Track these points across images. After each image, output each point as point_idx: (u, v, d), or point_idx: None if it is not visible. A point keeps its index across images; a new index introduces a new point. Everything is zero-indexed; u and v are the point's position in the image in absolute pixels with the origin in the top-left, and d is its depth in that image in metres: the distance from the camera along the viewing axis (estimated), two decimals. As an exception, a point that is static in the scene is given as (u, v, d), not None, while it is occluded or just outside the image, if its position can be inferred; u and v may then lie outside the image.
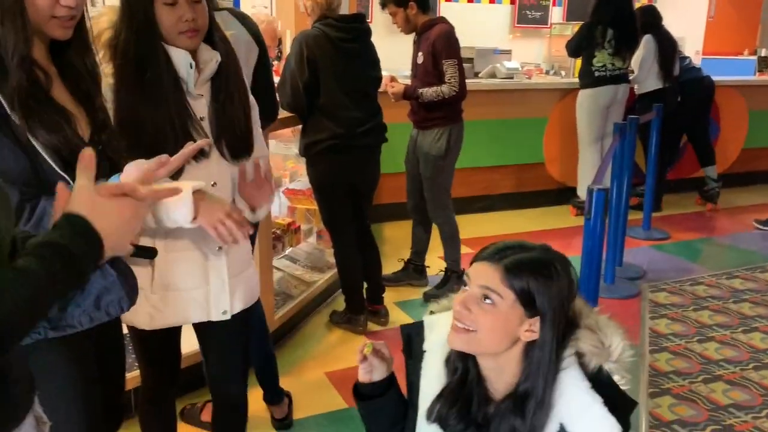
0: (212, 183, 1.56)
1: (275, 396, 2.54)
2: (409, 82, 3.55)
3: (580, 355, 1.17)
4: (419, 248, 3.79)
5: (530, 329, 1.14)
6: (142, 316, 1.62)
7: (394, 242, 4.49)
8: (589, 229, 2.07)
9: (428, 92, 3.33)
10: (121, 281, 1.14)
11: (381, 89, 3.27)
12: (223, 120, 1.57)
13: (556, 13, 7.01)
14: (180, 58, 1.49)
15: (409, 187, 3.70)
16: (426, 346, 1.28)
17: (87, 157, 0.89)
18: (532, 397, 1.15)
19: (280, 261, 3.43)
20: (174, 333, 1.73)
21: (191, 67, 1.49)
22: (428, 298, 3.56)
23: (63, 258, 0.80)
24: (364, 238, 3.23)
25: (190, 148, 1.30)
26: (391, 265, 3.87)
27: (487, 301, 1.13)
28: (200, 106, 1.55)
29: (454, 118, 3.48)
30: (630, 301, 3.65)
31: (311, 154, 3.03)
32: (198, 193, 1.41)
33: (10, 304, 0.74)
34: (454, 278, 3.56)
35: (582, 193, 5.16)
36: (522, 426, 1.15)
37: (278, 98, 2.90)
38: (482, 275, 1.15)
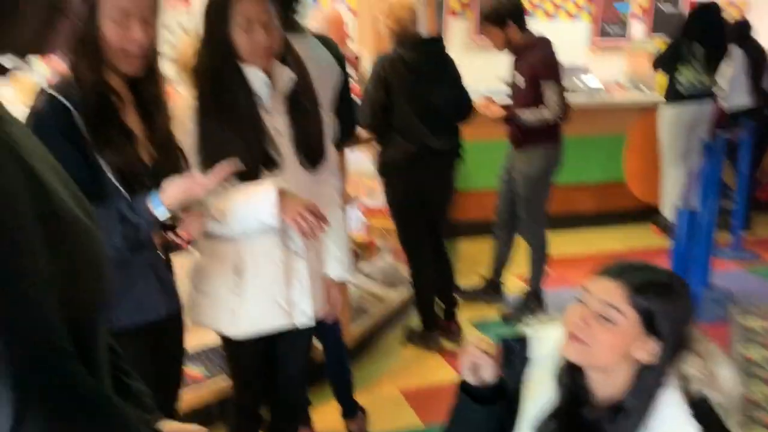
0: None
1: (350, 410, 2.57)
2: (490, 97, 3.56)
3: (684, 379, 1.16)
4: (499, 266, 3.76)
5: (645, 349, 1.14)
6: (227, 322, 1.69)
7: (471, 258, 4.48)
8: (679, 250, 2.00)
9: (530, 117, 3.30)
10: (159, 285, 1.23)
11: (480, 111, 3.29)
12: (299, 133, 1.67)
13: (638, 28, 6.83)
14: (255, 76, 1.60)
15: (500, 205, 3.68)
16: (531, 356, 1.28)
17: None
18: (632, 415, 1.15)
19: (356, 277, 3.48)
20: (262, 346, 1.79)
21: (266, 85, 1.60)
22: (507, 319, 3.51)
23: None
24: (438, 254, 3.24)
25: (222, 170, 1.40)
26: (465, 281, 3.85)
27: (607, 317, 1.14)
28: (277, 121, 1.65)
29: (553, 137, 3.42)
30: (718, 326, 3.48)
31: (387, 171, 3.09)
32: (280, 191, 1.53)
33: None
34: (532, 299, 3.51)
35: (666, 212, 4.98)
36: None
37: (358, 116, 2.99)
38: (605, 291, 1.15)
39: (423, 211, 3.13)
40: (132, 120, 1.43)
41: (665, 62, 4.68)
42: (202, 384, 2.49)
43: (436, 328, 3.23)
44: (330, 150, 1.82)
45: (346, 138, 2.53)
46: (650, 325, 1.14)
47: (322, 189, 1.81)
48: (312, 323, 1.74)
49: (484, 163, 4.57)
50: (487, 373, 1.24)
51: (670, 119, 4.72)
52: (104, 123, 1.34)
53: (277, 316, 1.69)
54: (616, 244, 4.86)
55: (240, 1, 1.56)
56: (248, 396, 1.87)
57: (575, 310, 1.18)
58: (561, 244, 4.72)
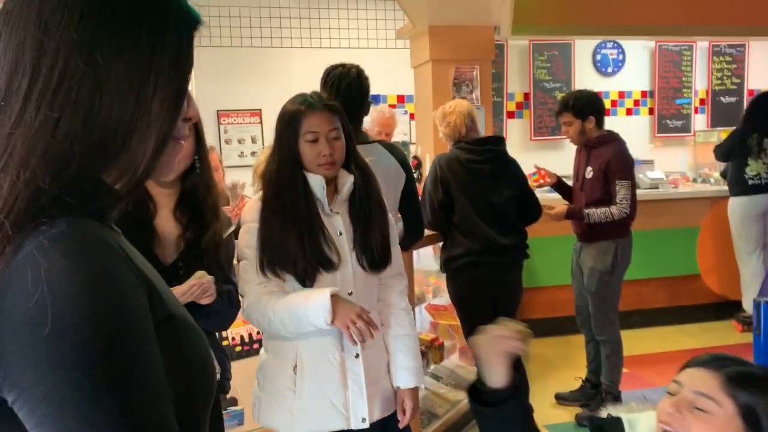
0: (349, 292, 1.72)
1: None
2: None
3: None
4: (596, 365, 3.60)
5: None
6: (285, 421, 1.72)
7: (547, 360, 4.35)
8: (759, 345, 1.91)
9: (596, 214, 3.30)
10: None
11: (547, 212, 3.34)
12: (358, 234, 1.74)
13: (699, 120, 6.81)
14: (315, 181, 1.72)
15: (577, 302, 3.61)
16: None
17: None
18: None
19: (424, 378, 3.42)
20: None
21: (323, 189, 1.71)
22: (582, 420, 3.35)
23: None
24: None
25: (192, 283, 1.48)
26: (539, 384, 3.73)
27: (701, 408, 1.09)
28: (337, 223, 1.74)
29: (622, 232, 3.39)
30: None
31: (450, 269, 3.11)
32: (334, 297, 1.59)
33: None
34: (610, 399, 3.35)
35: (748, 306, 4.75)
36: None
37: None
38: (698, 381, 1.11)
39: (489, 309, 3.10)
40: (165, 221, 1.56)
41: (729, 152, 4.61)
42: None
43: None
44: (397, 253, 1.88)
45: (413, 238, 2.59)
46: (751, 419, 1.07)
47: (383, 293, 1.86)
48: (366, 425, 1.72)
49: (553, 260, 4.53)
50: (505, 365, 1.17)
51: (739, 211, 4.61)
52: (132, 221, 1.38)
53: (333, 418, 1.70)
54: (692, 341, 4.64)
55: (307, 116, 1.70)
56: None
57: (667, 402, 1.13)
58: (635, 341, 4.54)
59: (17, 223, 0.63)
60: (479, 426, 1.29)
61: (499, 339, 1.19)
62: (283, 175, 1.73)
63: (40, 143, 0.65)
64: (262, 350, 1.86)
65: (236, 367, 2.51)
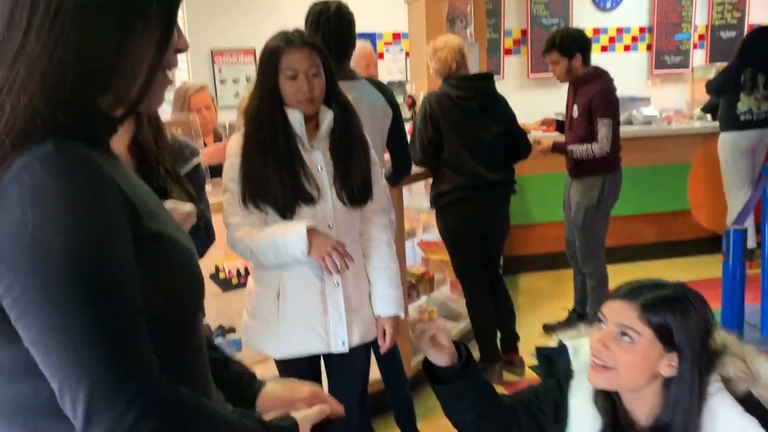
0: (328, 225, 1.80)
1: (412, 436, 2.64)
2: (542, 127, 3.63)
3: (726, 381, 1.19)
4: (582, 296, 3.75)
5: (669, 364, 1.18)
6: (270, 344, 1.84)
7: (535, 292, 4.49)
8: (727, 271, 2.01)
9: (578, 150, 3.37)
10: None
11: (536, 147, 3.40)
12: (339, 170, 1.80)
13: (698, 56, 6.76)
14: (294, 117, 1.77)
15: (567, 235, 3.72)
16: (574, 367, 1.31)
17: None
18: (672, 430, 1.18)
19: (416, 311, 3.55)
20: (308, 367, 1.91)
21: (302, 125, 1.77)
22: (548, 329, 3.54)
23: None
24: (495, 287, 3.29)
25: None
26: (528, 316, 3.87)
27: (625, 338, 1.18)
28: (317, 158, 1.80)
29: (611, 167, 3.46)
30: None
31: (440, 205, 3.19)
32: (310, 231, 1.69)
33: None
34: (583, 320, 3.49)
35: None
36: None
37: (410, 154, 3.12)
38: (619, 313, 1.20)
39: (477, 244, 3.20)
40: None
41: (721, 88, 4.62)
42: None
43: (496, 360, 3.26)
44: (378, 189, 1.94)
45: (400, 175, 2.65)
46: (668, 340, 1.16)
47: (365, 227, 1.93)
48: (345, 349, 1.83)
49: (545, 197, 4.61)
50: (446, 341, 1.26)
51: (728, 146, 4.65)
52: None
53: (315, 342, 1.82)
54: (681, 274, 4.73)
55: (287, 53, 1.75)
56: None
57: (595, 336, 1.22)
58: (624, 275, 4.62)
59: (16, 143, 0.71)
60: (440, 402, 1.36)
61: (419, 331, 1.26)
62: (264, 111, 1.78)
63: (38, 70, 0.73)
64: (249, 279, 1.96)
65: (232, 298, 2.64)
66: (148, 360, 0.75)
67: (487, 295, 3.25)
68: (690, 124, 5.54)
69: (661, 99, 6.33)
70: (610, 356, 1.18)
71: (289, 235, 1.70)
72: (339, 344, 1.83)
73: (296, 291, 1.81)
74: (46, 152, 0.71)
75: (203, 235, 1.71)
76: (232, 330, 2.76)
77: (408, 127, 4.42)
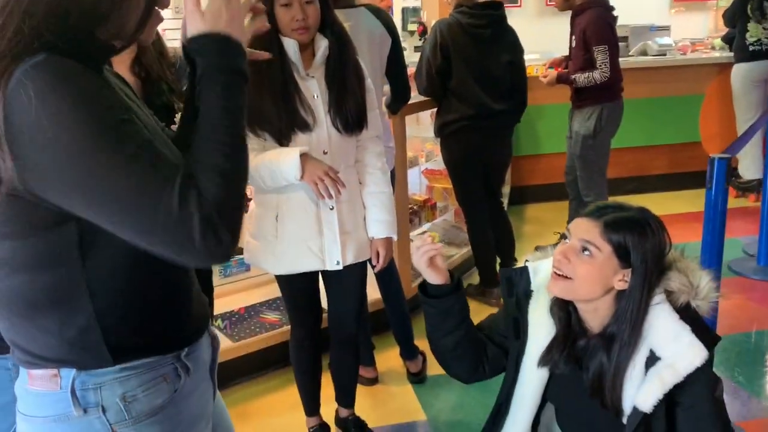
0: (323, 151, 1.87)
1: (410, 352, 2.80)
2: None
3: (669, 293, 1.29)
4: None
5: (623, 279, 1.28)
6: (270, 262, 1.97)
7: (542, 221, 4.58)
8: (709, 199, 2.07)
9: (581, 78, 3.41)
10: None
11: (541, 79, 3.46)
12: (334, 97, 1.86)
13: (724, -17, 6.53)
14: (289, 45, 1.81)
15: (568, 162, 3.79)
16: (533, 286, 1.42)
17: None
18: (617, 339, 1.29)
19: (418, 236, 3.67)
20: (307, 284, 2.05)
21: (297, 53, 1.81)
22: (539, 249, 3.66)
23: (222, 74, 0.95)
24: (497, 215, 3.38)
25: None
26: (531, 243, 3.96)
27: (586, 252, 1.28)
28: (312, 86, 1.85)
29: (609, 96, 3.48)
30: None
31: (444, 134, 3.24)
32: (304, 156, 1.76)
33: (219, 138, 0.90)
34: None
35: (744, 172, 4.86)
36: (607, 363, 1.30)
37: (415, 82, 3.15)
38: (583, 229, 1.30)
39: (480, 173, 3.27)
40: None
41: (732, 18, 4.55)
42: (277, 329, 2.81)
43: (495, 285, 3.38)
44: (374, 116, 2.00)
45: (400, 102, 2.71)
46: (625, 257, 1.27)
47: (360, 154, 2.01)
48: (340, 267, 1.95)
49: (552, 128, 4.62)
50: (442, 263, 1.41)
51: (740, 77, 4.61)
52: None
53: (311, 260, 1.94)
54: (688, 205, 4.79)
55: None
56: (302, 329, 2.14)
57: (559, 249, 1.32)
58: (633, 206, 4.72)
59: (15, 59, 0.81)
60: (425, 317, 1.49)
61: (417, 251, 1.39)
62: (258, 39, 1.84)
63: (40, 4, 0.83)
64: (251, 202, 2.07)
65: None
66: (174, 162, 0.86)
67: (488, 223, 3.35)
68: (708, 54, 5.43)
69: (684, 28, 6.17)
70: (569, 268, 1.29)
71: (283, 160, 1.79)
72: (333, 263, 1.95)
73: (294, 213, 1.91)
74: (41, 60, 0.81)
75: None
76: (240, 251, 2.90)
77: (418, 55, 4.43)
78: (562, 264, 1.30)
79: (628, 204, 1.35)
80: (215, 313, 2.65)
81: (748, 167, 4.78)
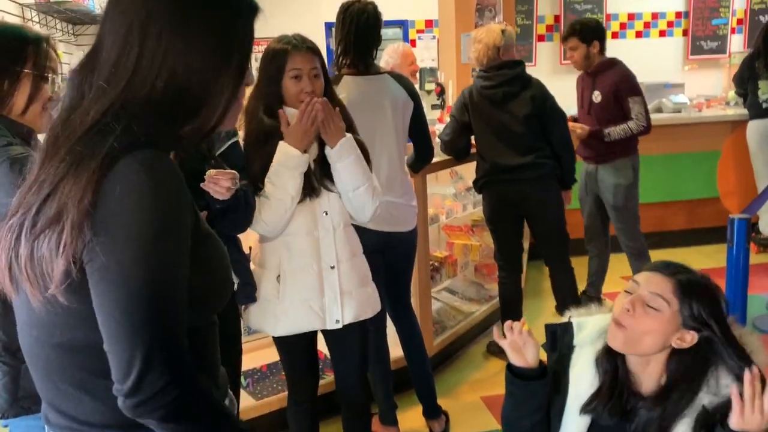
0: (324, 212, 1.95)
1: (433, 411, 2.79)
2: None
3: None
4: (595, 280, 3.90)
5: (682, 338, 1.30)
6: (270, 322, 1.99)
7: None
8: (731, 257, 2.09)
9: (615, 131, 3.54)
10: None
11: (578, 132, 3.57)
12: (325, 162, 1.94)
13: (736, 41, 6.67)
14: (291, 115, 1.91)
15: (587, 223, 3.87)
16: (576, 341, 1.44)
17: None
18: (671, 396, 1.30)
19: (440, 293, 3.70)
20: (307, 344, 2.07)
21: None
22: (560, 309, 3.66)
23: None
24: (554, 267, 3.40)
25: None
26: (549, 299, 3.96)
27: (653, 306, 1.30)
28: (312, 152, 1.94)
29: (635, 148, 3.67)
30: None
31: (477, 189, 3.37)
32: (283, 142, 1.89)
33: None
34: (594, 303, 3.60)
35: (764, 228, 4.84)
36: (656, 418, 1.31)
37: (438, 141, 3.26)
38: (654, 283, 1.32)
39: (513, 227, 3.33)
40: None
41: (741, 79, 4.66)
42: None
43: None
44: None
45: (422, 163, 2.79)
46: (689, 317, 1.29)
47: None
48: (340, 326, 1.98)
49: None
50: (530, 352, 1.42)
51: (756, 134, 4.65)
52: None
53: (311, 320, 1.96)
54: (709, 261, 4.77)
55: (292, 55, 1.89)
56: (300, 394, 2.15)
57: (623, 299, 1.34)
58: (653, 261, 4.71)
59: (123, 151, 0.89)
60: (506, 397, 1.49)
61: (509, 336, 1.43)
62: (268, 109, 1.93)
63: (144, 103, 0.92)
64: (251, 264, 2.09)
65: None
66: (184, 343, 0.92)
67: (515, 275, 3.36)
68: (723, 111, 5.50)
69: (698, 85, 6.28)
70: (633, 320, 1.31)
71: (278, 158, 1.87)
72: (333, 322, 1.98)
73: (295, 273, 1.94)
74: (145, 156, 0.89)
75: (243, 205, 1.83)
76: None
77: (437, 114, 4.54)
78: (624, 315, 1.32)
79: (691, 269, 1.37)
80: (239, 370, 2.67)
81: (766, 224, 4.78)
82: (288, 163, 1.87)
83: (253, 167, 1.93)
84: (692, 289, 1.29)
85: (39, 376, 1.01)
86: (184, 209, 0.93)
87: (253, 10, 1.03)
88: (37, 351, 0.99)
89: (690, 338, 1.29)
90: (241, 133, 2.01)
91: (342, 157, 1.92)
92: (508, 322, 1.46)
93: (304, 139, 1.87)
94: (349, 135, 1.94)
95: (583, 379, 1.40)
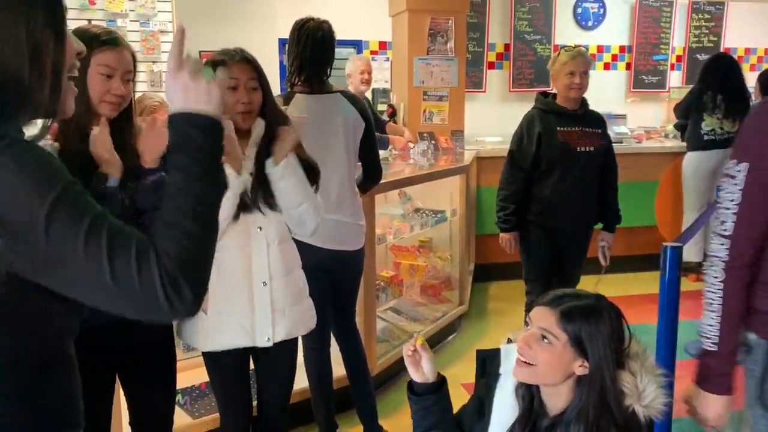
0: (258, 227, 1.91)
1: (373, 431, 2.78)
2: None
3: (620, 393, 1.33)
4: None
5: (583, 365, 1.33)
6: (200, 337, 1.94)
7: (507, 299, 4.64)
8: (663, 285, 2.17)
9: None
10: None
11: None
12: (260, 176, 1.90)
13: (675, 77, 6.98)
14: (227, 127, 1.79)
15: None
16: (502, 369, 1.46)
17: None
18: (578, 421, 1.33)
19: (385, 313, 3.71)
20: (237, 362, 2.01)
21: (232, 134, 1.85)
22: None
23: (194, 150, 0.97)
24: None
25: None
26: (494, 320, 4.01)
27: (545, 340, 1.34)
28: (248, 165, 1.90)
29: None
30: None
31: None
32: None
33: (188, 213, 0.93)
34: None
35: (686, 255, 5.05)
36: None
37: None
38: (542, 318, 1.36)
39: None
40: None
41: (686, 110, 4.86)
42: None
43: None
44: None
45: (370, 183, 2.80)
46: (580, 345, 1.33)
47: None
48: (270, 344, 1.94)
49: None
50: (425, 365, 1.47)
51: (692, 165, 4.87)
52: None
53: (241, 337, 1.92)
54: (647, 287, 4.94)
55: (230, 66, 1.87)
56: (232, 418, 2.07)
57: (521, 336, 1.38)
58: (588, 286, 4.83)
59: None
60: (412, 416, 1.54)
61: (405, 352, 1.48)
62: None
63: None
64: None
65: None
66: (126, 230, 0.91)
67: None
68: (662, 143, 5.75)
69: (639, 117, 6.53)
70: (531, 354, 1.35)
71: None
72: (264, 339, 1.94)
73: (225, 289, 1.89)
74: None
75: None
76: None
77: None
78: (525, 351, 1.35)
79: (584, 292, 1.41)
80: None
81: (687, 250, 4.99)
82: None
83: None
84: (573, 317, 1.33)
85: None
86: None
87: None
88: None
89: (583, 365, 1.33)
90: None
91: (285, 176, 1.90)
92: (407, 344, 1.50)
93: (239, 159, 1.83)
94: (291, 155, 1.92)
95: (505, 407, 1.44)
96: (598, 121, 3.20)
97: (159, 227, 0.93)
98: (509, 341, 1.50)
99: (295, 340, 2.07)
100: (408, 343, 1.48)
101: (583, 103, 3.16)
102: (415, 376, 1.48)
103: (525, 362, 1.35)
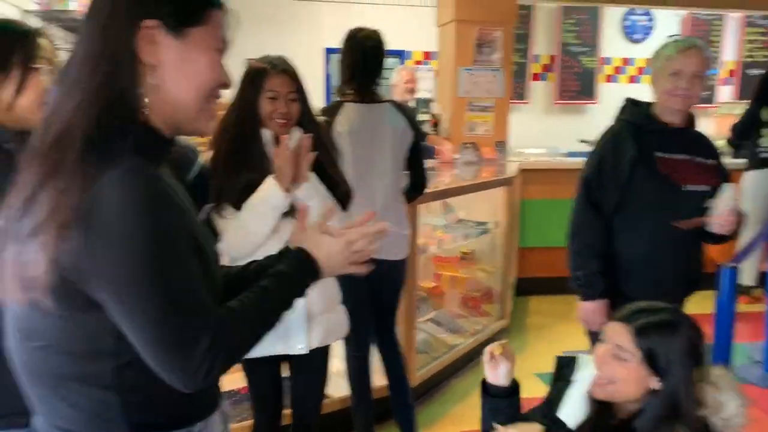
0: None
1: (413, 443, 2.75)
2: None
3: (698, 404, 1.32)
4: None
5: (658, 380, 1.33)
6: None
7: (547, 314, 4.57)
8: (720, 308, 2.11)
9: None
10: None
11: None
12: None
13: (725, 92, 6.81)
14: (266, 134, 1.94)
15: None
16: (575, 377, 1.47)
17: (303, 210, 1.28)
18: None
19: (426, 324, 3.68)
20: (271, 370, 2.05)
21: (272, 142, 1.92)
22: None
23: (289, 283, 1.10)
24: None
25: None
26: (535, 335, 3.92)
27: (621, 357, 1.34)
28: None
29: None
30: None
31: None
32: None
33: (255, 317, 1.03)
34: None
35: (744, 276, 4.90)
36: None
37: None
38: (615, 334, 1.37)
39: None
40: None
41: (743, 128, 4.72)
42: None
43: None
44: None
45: (416, 191, 2.79)
46: (653, 361, 1.32)
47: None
48: (305, 351, 1.94)
49: (560, 221, 4.68)
50: (501, 371, 1.50)
51: (751, 185, 4.70)
52: None
53: (275, 343, 1.90)
54: (698, 307, 4.79)
55: (271, 76, 1.90)
56: (263, 417, 2.12)
57: (597, 351, 1.39)
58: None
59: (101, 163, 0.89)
60: (482, 416, 1.58)
61: (485, 356, 1.52)
62: (242, 125, 1.93)
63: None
64: None
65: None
66: (207, 310, 0.95)
67: None
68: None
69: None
70: (609, 371, 1.35)
71: (262, 195, 1.85)
72: (298, 347, 1.94)
73: None
74: (125, 170, 0.88)
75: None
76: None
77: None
78: (602, 367, 1.37)
79: (663, 305, 1.40)
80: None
81: (741, 271, 4.83)
82: (271, 200, 1.86)
83: (221, 184, 1.91)
84: (647, 333, 1.33)
85: (22, 381, 1.01)
86: (174, 211, 0.94)
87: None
88: (20, 354, 0.99)
89: (655, 383, 1.32)
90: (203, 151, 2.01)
91: (307, 198, 1.91)
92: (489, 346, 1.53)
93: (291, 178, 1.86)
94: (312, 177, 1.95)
95: (573, 409, 1.44)
96: (710, 148, 2.28)
97: (238, 321, 0.99)
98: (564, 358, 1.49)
99: (328, 347, 2.08)
100: (492, 344, 1.51)
101: (691, 119, 2.25)
102: (489, 376, 1.52)
103: (603, 382, 1.36)
